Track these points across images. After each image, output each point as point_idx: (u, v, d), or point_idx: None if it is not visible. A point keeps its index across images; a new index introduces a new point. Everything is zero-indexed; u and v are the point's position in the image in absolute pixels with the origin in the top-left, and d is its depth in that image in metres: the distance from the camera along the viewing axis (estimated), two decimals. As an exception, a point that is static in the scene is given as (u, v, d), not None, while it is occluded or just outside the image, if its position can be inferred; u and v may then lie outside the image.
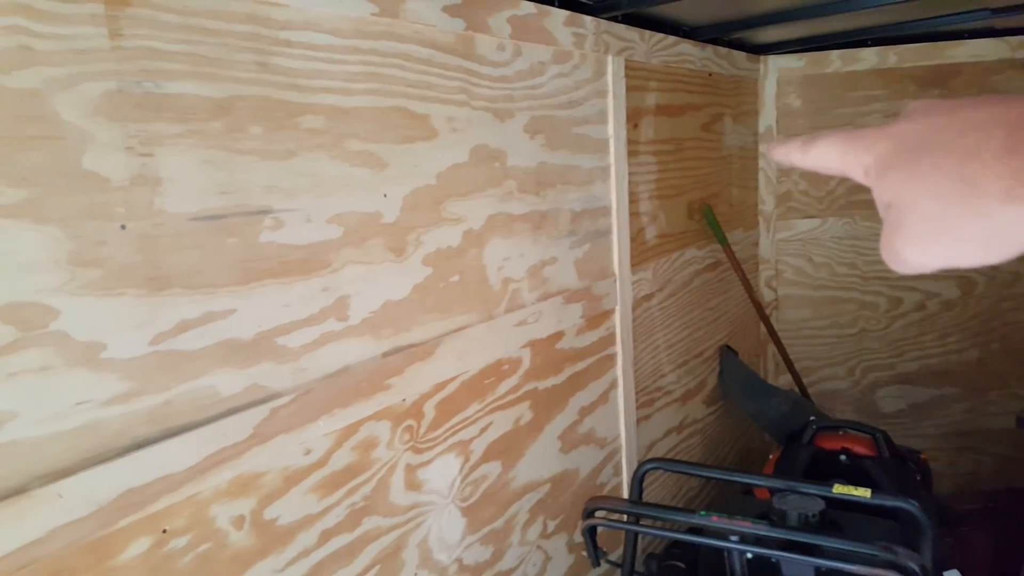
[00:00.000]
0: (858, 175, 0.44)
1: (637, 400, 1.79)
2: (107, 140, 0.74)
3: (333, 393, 0.98)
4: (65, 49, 0.70)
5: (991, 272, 2.59)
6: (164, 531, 0.81)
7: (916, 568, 1.02)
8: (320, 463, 0.98)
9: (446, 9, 1.13)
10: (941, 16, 2.17)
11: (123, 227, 0.76)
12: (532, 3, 1.33)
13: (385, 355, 1.06)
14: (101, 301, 0.74)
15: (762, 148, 2.58)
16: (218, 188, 0.85)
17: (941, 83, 2.51)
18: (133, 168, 0.76)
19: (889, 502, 1.26)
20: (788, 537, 1.17)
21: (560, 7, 1.41)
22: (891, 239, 0.42)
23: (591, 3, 1.53)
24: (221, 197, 0.86)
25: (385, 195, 1.06)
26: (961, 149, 0.37)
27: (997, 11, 2.05)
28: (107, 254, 0.75)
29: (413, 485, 1.14)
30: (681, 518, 1.23)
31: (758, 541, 1.17)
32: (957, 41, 2.47)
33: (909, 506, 1.23)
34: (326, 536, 0.99)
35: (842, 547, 1.11)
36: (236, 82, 0.87)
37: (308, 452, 0.96)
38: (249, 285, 0.89)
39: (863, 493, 1.25)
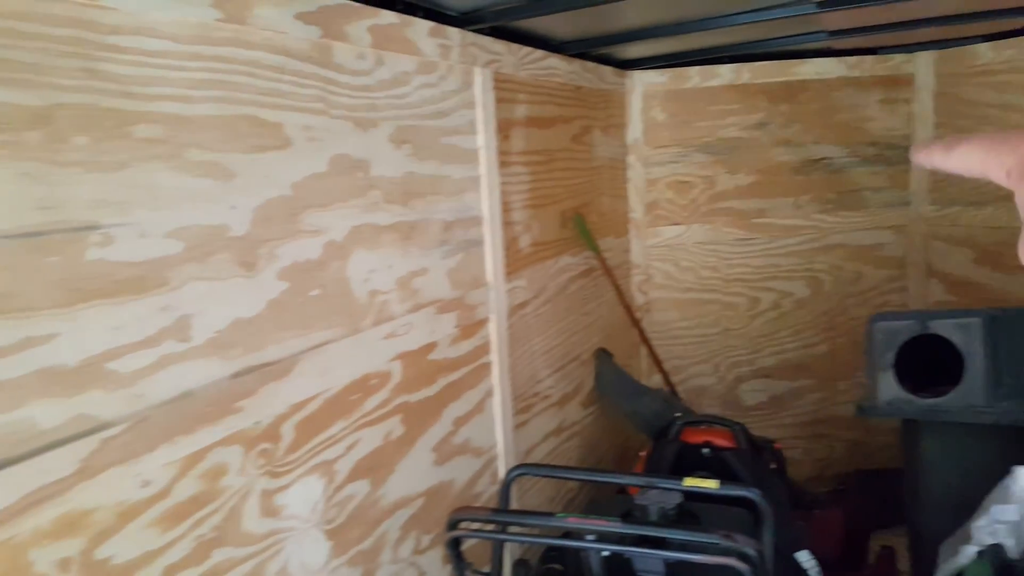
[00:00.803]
0: (1000, 177, 0.42)
1: (514, 407, 1.75)
2: None
3: (174, 420, 0.88)
4: None
5: (836, 272, 2.72)
6: (-30, 583, 0.70)
7: (752, 553, 1.04)
8: (161, 495, 0.88)
9: (299, 16, 1.06)
10: (786, 36, 2.26)
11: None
12: (394, 13, 1.27)
13: (235, 376, 0.97)
14: None
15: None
16: (37, 203, 0.75)
17: (790, 98, 2.62)
18: (-70, 183, 0.65)
19: (734, 492, 1.30)
20: (637, 532, 1.18)
21: (424, 18, 1.36)
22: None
23: (456, 15, 1.48)
24: (40, 213, 0.76)
25: (233, 207, 0.97)
26: None
27: (833, 33, 2.16)
28: None
29: (270, 511, 1.05)
30: (539, 522, 1.22)
31: (616, 539, 1.16)
32: (802, 60, 2.58)
33: (751, 494, 1.27)
34: (171, 571, 0.89)
35: (688, 538, 1.13)
36: (58, 89, 0.77)
37: (146, 484, 0.86)
38: (74, 307, 0.78)
39: (711, 485, 1.28)
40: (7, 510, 0.71)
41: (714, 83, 2.59)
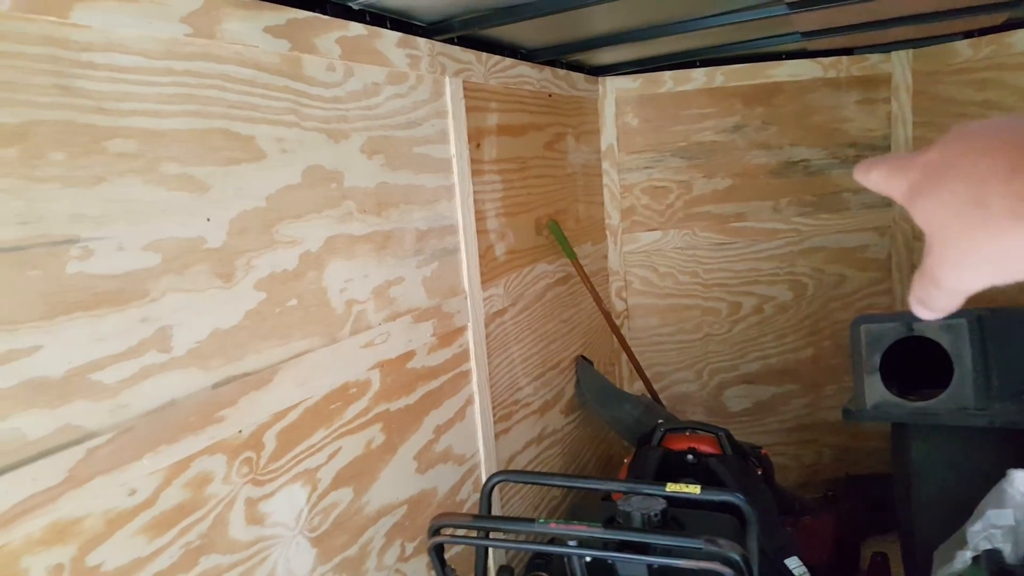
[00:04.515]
0: (899, 197, 0.46)
1: (495, 414, 1.80)
2: None
3: (158, 429, 0.93)
4: None
5: (818, 275, 2.79)
6: (-35, 590, 0.74)
7: (737, 558, 1.07)
8: (147, 503, 0.92)
9: (268, 30, 1.12)
10: (759, 39, 2.35)
11: (-99, 263, 0.69)
12: (362, 24, 1.33)
13: (216, 386, 1.02)
14: None
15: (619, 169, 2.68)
16: (16, 218, 0.80)
17: (765, 100, 2.70)
18: (-89, 199, 0.70)
19: (717, 496, 1.33)
20: (620, 537, 1.22)
21: (392, 29, 1.42)
22: (928, 263, 0.44)
23: (424, 25, 1.54)
24: (19, 228, 0.80)
25: (208, 219, 1.02)
26: (975, 174, 0.40)
27: (806, 34, 2.24)
28: None
29: (255, 519, 1.09)
30: (521, 528, 1.25)
31: (600, 544, 1.20)
32: (776, 62, 2.66)
33: (735, 499, 1.30)
34: (159, 579, 0.94)
35: (671, 543, 1.16)
36: (33, 106, 0.82)
37: (133, 492, 0.91)
38: (56, 319, 0.83)
39: (693, 490, 1.31)
40: (0, 518, 0.76)
41: (688, 87, 2.67)
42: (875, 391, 1.94)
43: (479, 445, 1.75)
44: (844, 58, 2.67)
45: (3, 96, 0.79)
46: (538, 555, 1.56)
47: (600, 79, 2.63)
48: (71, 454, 0.83)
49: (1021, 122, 0.40)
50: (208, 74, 1.03)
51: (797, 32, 2.20)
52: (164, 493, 0.95)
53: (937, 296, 0.46)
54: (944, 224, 0.42)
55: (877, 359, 1.93)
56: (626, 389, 2.61)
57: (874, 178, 0.48)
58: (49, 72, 0.83)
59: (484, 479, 1.74)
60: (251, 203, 1.09)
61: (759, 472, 2.05)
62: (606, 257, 2.73)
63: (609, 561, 1.25)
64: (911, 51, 2.62)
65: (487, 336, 1.78)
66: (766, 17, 1.83)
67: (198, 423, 0.98)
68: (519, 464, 1.96)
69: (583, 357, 2.43)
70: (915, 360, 1.94)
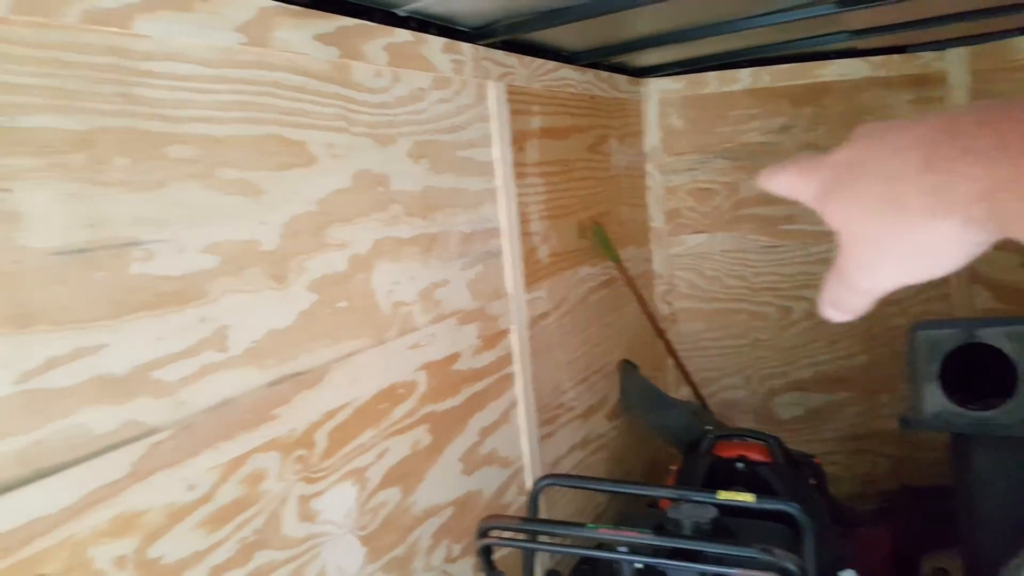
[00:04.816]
0: (810, 202, 0.47)
1: (539, 418, 1.83)
2: (-43, 176, 0.73)
3: (216, 426, 0.97)
4: (-92, 83, 0.69)
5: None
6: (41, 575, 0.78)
7: (794, 568, 1.06)
8: (205, 498, 0.97)
9: (318, 38, 1.16)
10: (807, 38, 2.34)
11: (-19, 264, 0.74)
12: (408, 31, 1.37)
13: (270, 385, 1.06)
14: (-42, 341, 0.73)
15: (649, 167, 2.69)
16: (83, 221, 0.85)
17: (814, 101, 2.68)
18: (-12, 203, 0.75)
19: (771, 505, 1.32)
20: (673, 545, 1.22)
21: (437, 34, 1.46)
22: (841, 264, 0.45)
23: (468, 30, 1.58)
24: (87, 230, 0.85)
25: (263, 222, 1.06)
26: (887, 172, 0.40)
27: (856, 32, 2.22)
28: (-36, 292, 0.73)
29: (307, 516, 1.13)
30: (571, 532, 1.25)
31: (649, 551, 1.21)
32: (824, 61, 2.65)
33: (791, 508, 1.29)
34: (216, 572, 0.98)
35: (724, 552, 1.15)
36: (98, 114, 0.87)
37: (192, 487, 0.95)
38: (121, 319, 0.88)
39: (747, 498, 1.30)
40: (68, 509, 0.80)
41: (733, 88, 2.67)
42: (934, 400, 1.90)
43: (523, 448, 1.77)
44: (895, 57, 2.63)
45: (71, 104, 0.84)
46: (584, 561, 1.58)
47: (643, 80, 2.64)
48: (134, 449, 0.87)
49: (930, 120, 0.39)
50: (261, 81, 1.07)
51: (846, 31, 2.19)
52: (221, 489, 0.99)
53: (851, 297, 0.46)
54: (858, 224, 0.42)
55: (936, 366, 1.90)
56: (672, 395, 2.61)
57: (782, 183, 0.48)
58: (112, 81, 0.88)
59: (529, 482, 1.77)
60: (303, 207, 1.14)
61: (812, 481, 2.04)
62: (650, 260, 2.74)
63: (660, 568, 1.26)
64: (967, 48, 2.57)
65: (531, 339, 1.80)
66: (814, 16, 1.83)
67: (254, 421, 1.03)
68: (563, 469, 1.98)
69: (627, 361, 2.44)
70: (974, 368, 1.90)
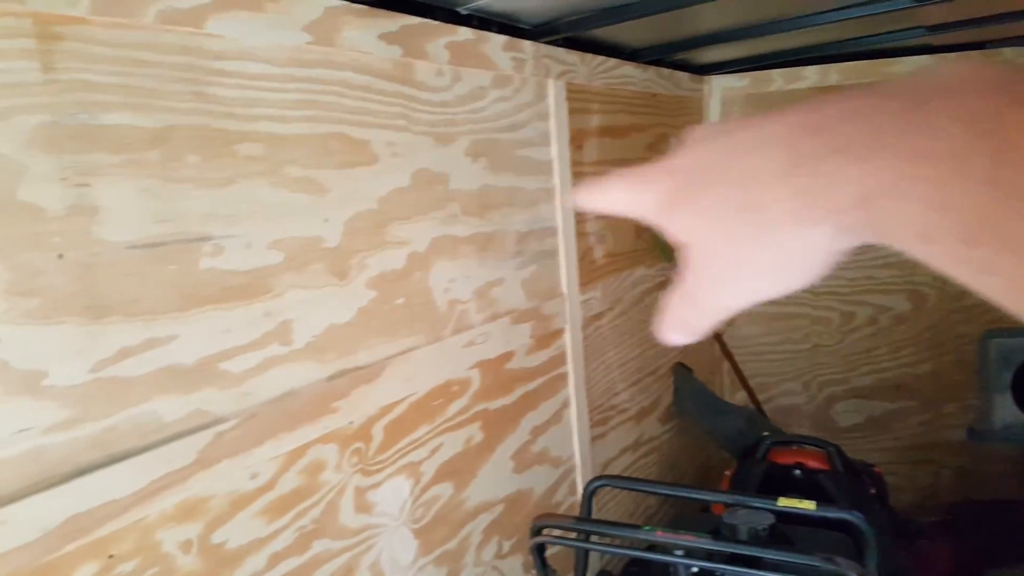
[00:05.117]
0: (649, 216, 0.42)
1: (591, 419, 1.84)
2: (42, 171, 0.77)
3: (278, 417, 1.01)
4: (-3, 84, 0.74)
5: (941, 285, 2.69)
6: (111, 556, 0.83)
7: None
8: (267, 487, 1.01)
9: (383, 37, 1.19)
10: (879, 34, 2.29)
11: (60, 256, 0.79)
12: (470, 29, 1.39)
13: (330, 378, 1.10)
14: (40, 330, 0.77)
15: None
16: (156, 216, 0.89)
17: (881, 99, 2.62)
18: (69, 198, 0.80)
19: (833, 514, 1.30)
20: (732, 550, 1.22)
21: (499, 32, 1.48)
22: (689, 282, 0.40)
23: (530, 28, 1.60)
24: (159, 225, 0.89)
25: (326, 220, 1.10)
26: (741, 176, 0.35)
27: (932, 28, 2.17)
28: (45, 284, 0.78)
29: (363, 507, 1.17)
30: (626, 533, 1.27)
31: (703, 555, 1.21)
32: (896, 58, 2.59)
33: (853, 517, 1.27)
34: (275, 559, 1.02)
35: (785, 559, 1.15)
36: (172, 112, 0.91)
37: (254, 476, 0.99)
38: (190, 311, 0.92)
39: (808, 505, 1.29)
40: (138, 494, 0.85)
41: (799, 86, 2.63)
42: (1006, 411, 1.87)
43: (575, 449, 1.79)
44: (973, 53, 2.56)
45: (146, 103, 0.88)
46: (633, 563, 1.59)
47: (705, 78, 2.63)
48: (201, 437, 0.92)
49: (788, 115, 0.34)
50: (327, 80, 1.11)
51: (921, 27, 2.14)
52: (282, 478, 1.03)
53: (699, 318, 0.41)
54: (711, 235, 0.37)
55: (1008, 376, 1.87)
56: (727, 399, 2.60)
57: (612, 199, 0.44)
58: (186, 80, 0.92)
59: (580, 483, 1.79)
60: (364, 205, 1.17)
61: (872, 491, 2.01)
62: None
63: (718, 574, 1.26)
64: (1052, 45, 2.49)
65: (584, 339, 1.81)
66: (888, 11, 1.80)
67: (314, 413, 1.06)
68: (613, 471, 1.99)
69: (682, 364, 2.44)
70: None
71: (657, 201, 0.41)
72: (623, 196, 0.43)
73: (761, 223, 0.35)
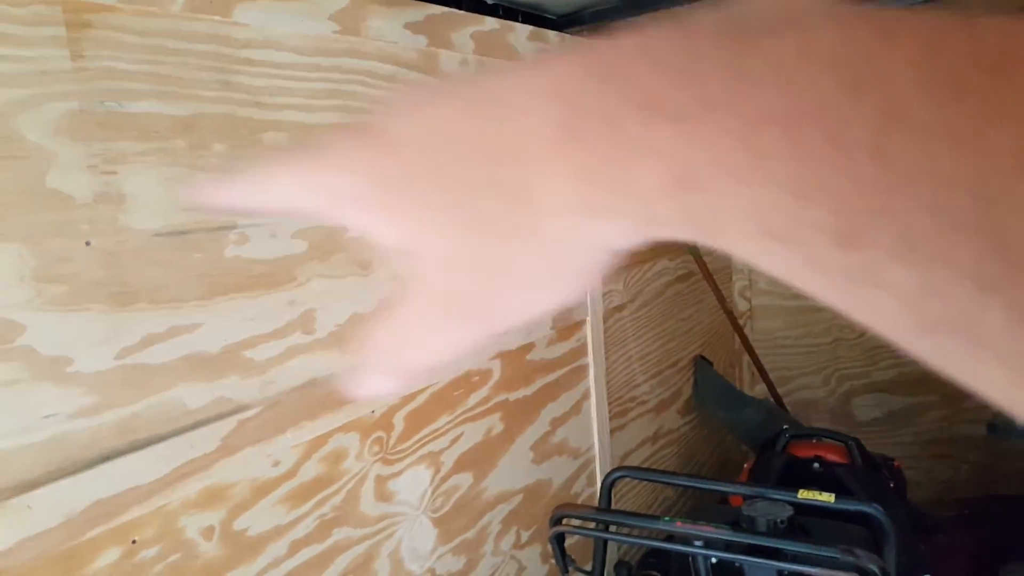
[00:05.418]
0: (344, 215, 0.26)
1: (610, 410, 1.83)
2: (70, 159, 0.77)
3: (301, 405, 1.01)
4: (28, 71, 0.74)
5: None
6: (134, 541, 0.83)
7: (876, 570, 1.05)
8: (289, 475, 1.01)
9: (408, 26, 1.18)
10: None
11: (88, 243, 0.79)
12: (496, 19, 1.38)
13: (353, 368, 1.10)
14: (67, 316, 0.77)
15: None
16: (182, 204, 0.89)
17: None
18: (97, 186, 0.80)
19: (853, 506, 1.29)
20: (751, 541, 1.21)
21: (524, 23, 1.47)
22: (411, 304, 0.26)
23: (555, 18, 1.58)
24: (185, 213, 0.89)
25: (350, 209, 1.09)
26: (498, 146, 0.23)
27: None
28: (72, 270, 0.78)
29: (383, 496, 1.17)
30: (646, 524, 1.26)
31: (722, 546, 1.21)
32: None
33: (872, 510, 1.26)
34: (296, 546, 1.02)
35: (804, 551, 1.14)
36: (199, 100, 0.90)
37: (276, 464, 0.99)
38: (215, 299, 0.92)
39: (827, 498, 1.28)
40: (161, 480, 0.85)
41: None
42: (1026, 407, 1.85)
43: (594, 440, 1.78)
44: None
45: (174, 91, 0.88)
46: (651, 554, 1.58)
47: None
48: (224, 424, 0.92)
49: (563, 62, 0.22)
50: (353, 70, 1.10)
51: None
52: (304, 466, 1.03)
53: (420, 356, 0.27)
54: (445, 236, 0.24)
55: (1029, 372, 1.84)
56: (747, 392, 2.58)
57: (274, 193, 0.27)
58: (213, 68, 0.92)
59: (599, 474, 1.78)
60: (387, 194, 1.16)
61: (891, 485, 2.00)
62: (729, 255, 2.69)
63: (736, 564, 1.25)
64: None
65: (605, 331, 1.80)
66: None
67: (336, 402, 1.06)
68: (632, 462, 1.98)
69: (702, 357, 2.42)
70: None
71: (359, 190, 0.25)
72: (290, 184, 0.26)
73: (527, 215, 0.23)
